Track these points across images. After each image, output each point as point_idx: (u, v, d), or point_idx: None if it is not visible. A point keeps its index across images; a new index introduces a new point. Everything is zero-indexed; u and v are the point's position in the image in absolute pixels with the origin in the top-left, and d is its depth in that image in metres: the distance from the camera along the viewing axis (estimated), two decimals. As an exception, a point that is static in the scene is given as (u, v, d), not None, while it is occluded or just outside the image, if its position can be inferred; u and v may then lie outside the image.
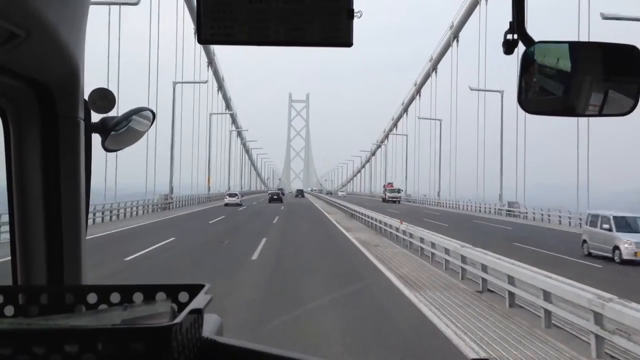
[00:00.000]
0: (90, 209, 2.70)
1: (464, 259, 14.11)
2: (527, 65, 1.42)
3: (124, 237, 24.55)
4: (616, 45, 1.47)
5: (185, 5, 53.80)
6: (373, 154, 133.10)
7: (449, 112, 67.90)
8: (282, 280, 14.16)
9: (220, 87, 79.44)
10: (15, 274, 1.38)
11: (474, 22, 56.76)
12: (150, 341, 0.88)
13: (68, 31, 1.15)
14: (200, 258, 17.49)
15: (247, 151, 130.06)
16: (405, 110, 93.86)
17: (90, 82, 1.41)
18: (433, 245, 17.49)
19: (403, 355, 8.22)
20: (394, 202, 74.83)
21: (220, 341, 1.13)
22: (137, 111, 1.53)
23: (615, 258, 18.21)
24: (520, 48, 1.39)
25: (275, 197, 69.14)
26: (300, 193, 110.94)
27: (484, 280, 12.58)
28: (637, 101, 1.44)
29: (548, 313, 9.44)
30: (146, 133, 1.64)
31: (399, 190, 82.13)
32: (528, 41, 1.37)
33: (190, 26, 52.35)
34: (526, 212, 44.08)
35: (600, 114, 1.44)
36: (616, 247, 18.26)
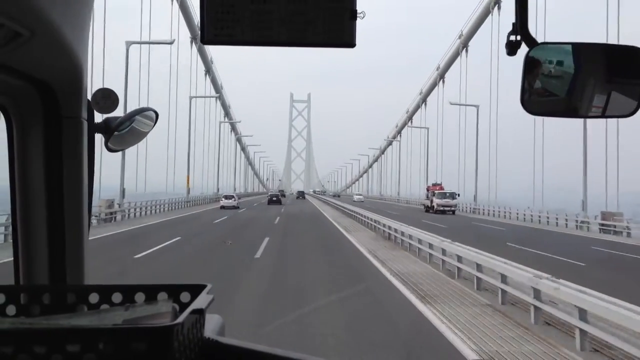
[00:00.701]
0: None
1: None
2: (530, 66, 1.42)
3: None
4: (619, 47, 1.47)
5: (180, 13, 53.82)
6: (383, 151, 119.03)
7: (480, 100, 57.46)
8: None
9: (218, 93, 76.18)
10: (18, 273, 1.38)
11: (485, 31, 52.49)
12: (152, 341, 0.88)
13: (72, 31, 1.15)
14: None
15: (243, 149, 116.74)
16: (424, 100, 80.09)
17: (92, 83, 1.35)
18: None
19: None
20: (445, 212, 49.56)
21: (222, 341, 1.13)
22: (141, 111, 1.53)
23: None
24: (523, 49, 1.39)
25: (274, 198, 69.77)
26: (301, 194, 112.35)
27: None
28: None
29: None
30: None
31: (453, 196, 52.61)
32: (531, 42, 1.37)
33: (185, 33, 52.53)
34: (627, 227, 31.14)
35: (603, 115, 1.44)
36: None
